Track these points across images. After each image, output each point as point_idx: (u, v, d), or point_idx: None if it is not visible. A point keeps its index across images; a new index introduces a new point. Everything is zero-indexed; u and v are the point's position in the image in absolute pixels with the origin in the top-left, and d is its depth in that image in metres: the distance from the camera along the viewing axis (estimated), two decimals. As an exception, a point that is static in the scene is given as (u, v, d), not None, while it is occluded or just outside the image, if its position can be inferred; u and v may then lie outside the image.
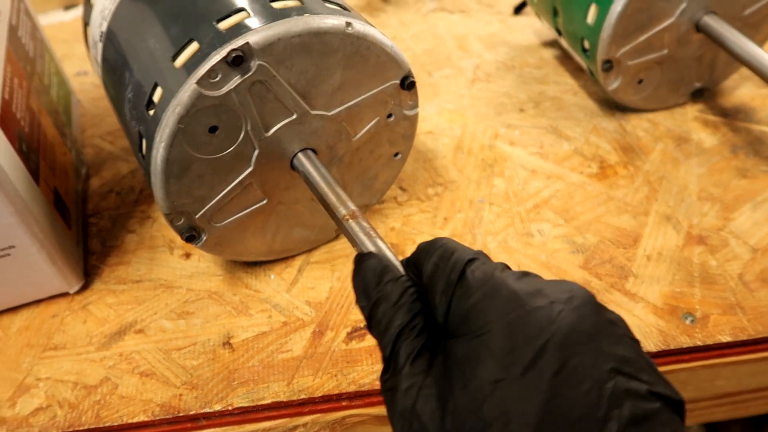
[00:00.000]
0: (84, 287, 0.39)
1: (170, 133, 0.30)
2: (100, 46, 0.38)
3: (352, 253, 0.41)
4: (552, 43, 0.61)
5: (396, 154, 0.39)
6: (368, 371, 0.34)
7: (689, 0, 0.45)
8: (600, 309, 0.22)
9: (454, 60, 0.59)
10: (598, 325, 0.21)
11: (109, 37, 0.37)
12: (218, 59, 0.29)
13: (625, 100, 0.50)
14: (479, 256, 0.25)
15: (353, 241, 0.30)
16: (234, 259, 0.39)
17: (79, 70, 0.60)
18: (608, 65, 0.47)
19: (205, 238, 0.35)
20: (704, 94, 0.53)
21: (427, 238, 0.42)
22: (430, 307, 0.25)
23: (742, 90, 0.54)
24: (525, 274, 0.24)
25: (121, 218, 0.44)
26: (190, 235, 0.34)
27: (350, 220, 0.30)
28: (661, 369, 0.35)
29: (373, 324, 0.25)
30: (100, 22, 0.38)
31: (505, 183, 0.46)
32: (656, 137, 0.49)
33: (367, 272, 0.27)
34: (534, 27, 0.64)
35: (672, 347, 0.35)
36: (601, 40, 0.45)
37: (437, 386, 0.22)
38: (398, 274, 0.26)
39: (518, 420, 0.19)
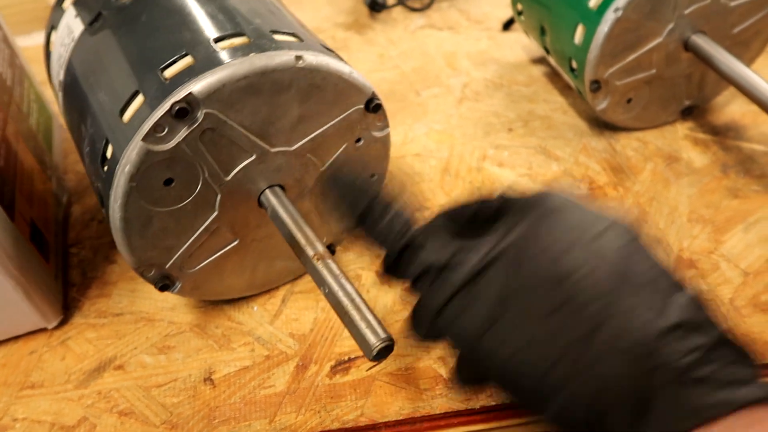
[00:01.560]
0: (63, 321, 0.38)
1: (123, 192, 0.29)
2: (60, 96, 0.37)
3: (337, 282, 0.41)
4: (541, 60, 0.61)
5: (372, 176, 0.39)
6: (352, 407, 0.34)
7: (677, 19, 0.44)
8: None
9: (442, 78, 0.59)
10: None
11: (66, 88, 0.36)
12: (162, 113, 0.27)
13: (614, 119, 0.49)
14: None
15: (320, 282, 0.29)
16: (216, 298, 0.38)
17: (63, 92, 0.59)
18: (596, 85, 0.46)
19: (180, 285, 0.34)
20: (694, 112, 0.52)
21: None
22: None
23: (732, 107, 0.53)
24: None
25: (103, 248, 0.43)
26: (164, 285, 0.33)
27: (318, 261, 0.29)
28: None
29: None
30: (57, 71, 0.37)
31: (493, 206, 0.45)
32: (646, 156, 0.49)
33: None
34: (523, 43, 0.63)
35: (663, 377, 0.35)
36: (588, 60, 0.45)
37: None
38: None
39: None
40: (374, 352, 0.25)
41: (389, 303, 0.39)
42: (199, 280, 0.35)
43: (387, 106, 0.38)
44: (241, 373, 0.36)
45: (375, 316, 0.27)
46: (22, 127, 0.43)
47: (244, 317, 0.39)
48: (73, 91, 0.35)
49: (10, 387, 0.35)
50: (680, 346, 0.21)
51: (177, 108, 0.27)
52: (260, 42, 0.30)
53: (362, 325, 0.26)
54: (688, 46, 0.46)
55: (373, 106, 0.34)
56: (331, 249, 0.40)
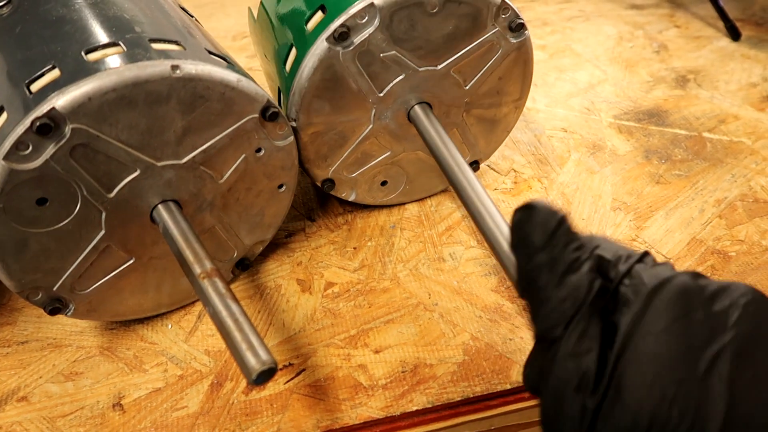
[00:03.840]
0: (-36, 354, 0.36)
1: None
2: None
3: (255, 294, 0.39)
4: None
5: (280, 186, 0.37)
6: (268, 423, 0.32)
7: (377, 103, 0.38)
8: None
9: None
10: None
11: None
12: (23, 130, 0.26)
13: (381, 202, 0.44)
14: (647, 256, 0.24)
15: (205, 301, 0.27)
16: (118, 320, 0.37)
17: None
18: (330, 184, 0.41)
19: (73, 307, 0.33)
20: (477, 166, 0.45)
21: (336, 271, 0.41)
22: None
23: (655, 92, 0.54)
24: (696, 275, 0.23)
25: (11, 272, 0.41)
26: (54, 308, 0.32)
27: (204, 280, 0.28)
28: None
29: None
30: None
31: (418, 206, 0.44)
32: (570, 147, 0.49)
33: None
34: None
35: (584, 370, 0.34)
36: (306, 166, 0.39)
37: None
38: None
39: (699, 425, 0.20)
40: (254, 376, 0.24)
41: (310, 312, 0.38)
42: (95, 302, 0.33)
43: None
44: (152, 396, 0.34)
45: (260, 338, 0.26)
46: None
47: (158, 336, 0.37)
48: None
49: None
50: None
51: (39, 124, 0.25)
52: (134, 52, 0.28)
53: (243, 347, 0.25)
54: (410, 119, 0.39)
55: (270, 114, 0.33)
56: (245, 263, 0.39)
